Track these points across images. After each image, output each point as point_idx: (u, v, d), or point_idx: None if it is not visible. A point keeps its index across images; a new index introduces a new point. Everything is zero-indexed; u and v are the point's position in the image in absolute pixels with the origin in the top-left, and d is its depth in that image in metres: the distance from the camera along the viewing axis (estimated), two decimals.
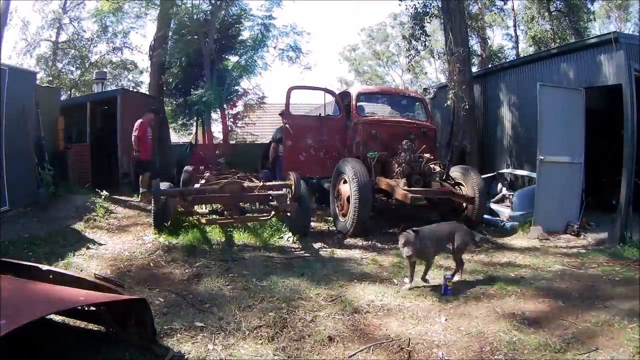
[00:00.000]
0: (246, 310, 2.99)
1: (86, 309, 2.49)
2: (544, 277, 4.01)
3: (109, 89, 14.05)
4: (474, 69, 10.48)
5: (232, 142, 14.60)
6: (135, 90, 17.52)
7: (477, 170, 6.20)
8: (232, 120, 14.20)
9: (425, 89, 13.76)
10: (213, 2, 12.27)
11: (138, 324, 2.30)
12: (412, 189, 5.37)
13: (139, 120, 7.69)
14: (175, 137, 16.32)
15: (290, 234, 5.25)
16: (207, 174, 6.76)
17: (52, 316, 2.54)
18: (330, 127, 6.88)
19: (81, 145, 9.04)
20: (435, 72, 29.50)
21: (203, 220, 5.29)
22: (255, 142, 14.77)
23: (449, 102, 8.33)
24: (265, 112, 15.31)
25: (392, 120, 6.98)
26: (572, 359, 2.39)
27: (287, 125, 6.69)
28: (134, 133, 7.52)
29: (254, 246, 4.85)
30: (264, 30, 12.88)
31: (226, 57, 13.41)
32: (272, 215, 5.33)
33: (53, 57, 18.09)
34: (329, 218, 6.29)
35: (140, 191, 7.62)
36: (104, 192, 7.11)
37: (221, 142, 13.77)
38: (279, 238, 5.19)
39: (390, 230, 5.93)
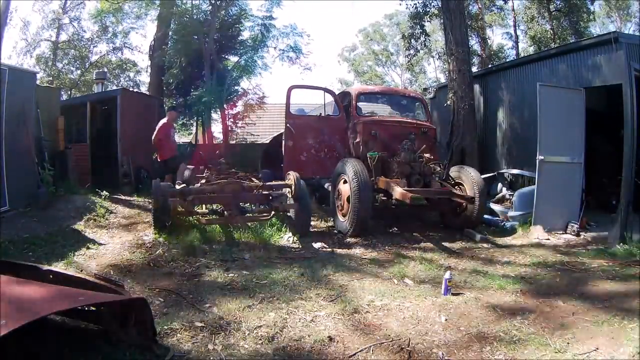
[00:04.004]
0: (246, 310, 2.99)
1: (86, 309, 2.49)
2: (544, 276, 4.01)
3: (109, 89, 14.06)
4: (474, 69, 10.47)
5: (232, 142, 14.59)
6: (135, 90, 17.52)
7: (477, 170, 6.20)
8: (232, 120, 14.20)
9: (425, 89, 13.78)
10: (213, 2, 12.29)
11: (138, 324, 2.30)
12: (412, 188, 5.37)
13: (161, 122, 7.47)
14: (175, 137, 16.29)
15: (290, 234, 5.25)
16: (207, 174, 6.75)
17: (52, 316, 2.54)
18: (330, 127, 6.88)
19: (81, 145, 9.05)
20: (434, 71, 29.54)
21: (203, 220, 5.29)
22: (256, 142, 14.77)
23: (449, 102, 8.34)
24: (265, 112, 15.30)
25: (392, 120, 6.98)
26: (572, 359, 2.39)
27: (288, 125, 6.70)
28: (155, 137, 7.29)
29: (254, 246, 4.84)
30: (264, 31, 12.90)
31: (226, 57, 13.42)
32: (272, 215, 5.33)
33: (53, 57, 18.10)
34: (329, 218, 6.29)
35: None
36: (104, 192, 7.10)
37: (221, 142, 13.77)
38: (279, 238, 5.18)
39: (390, 230, 5.95)
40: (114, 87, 16.94)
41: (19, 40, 18.94)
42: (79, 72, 19.10)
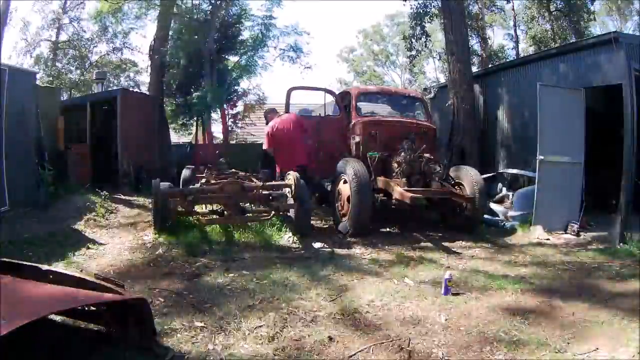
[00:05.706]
0: (246, 310, 2.99)
1: (86, 309, 2.49)
2: (544, 276, 4.01)
3: (109, 89, 14.06)
4: (474, 69, 10.48)
5: (232, 142, 14.60)
6: (135, 90, 17.52)
7: (477, 170, 6.20)
8: (232, 120, 14.21)
9: (425, 89, 13.78)
10: (213, 2, 12.29)
11: (138, 324, 2.30)
12: (412, 189, 5.37)
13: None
14: (175, 137, 16.33)
15: (290, 234, 5.25)
16: (207, 174, 6.75)
17: (52, 316, 2.54)
18: (330, 127, 6.88)
19: (81, 145, 9.05)
20: (434, 72, 29.48)
21: (203, 220, 5.29)
22: (256, 142, 14.78)
23: (449, 102, 8.34)
24: None
25: (392, 120, 6.97)
26: (572, 359, 2.39)
27: None
28: None
29: (254, 246, 4.85)
30: (264, 30, 12.91)
31: (226, 57, 13.42)
32: (272, 215, 5.33)
33: (53, 57, 18.09)
34: (329, 218, 6.29)
35: None
36: (104, 192, 7.10)
37: (221, 142, 13.78)
38: (279, 238, 5.18)
39: (390, 230, 5.95)
40: (114, 87, 16.95)
41: (19, 40, 18.84)
42: (79, 72, 19.08)
